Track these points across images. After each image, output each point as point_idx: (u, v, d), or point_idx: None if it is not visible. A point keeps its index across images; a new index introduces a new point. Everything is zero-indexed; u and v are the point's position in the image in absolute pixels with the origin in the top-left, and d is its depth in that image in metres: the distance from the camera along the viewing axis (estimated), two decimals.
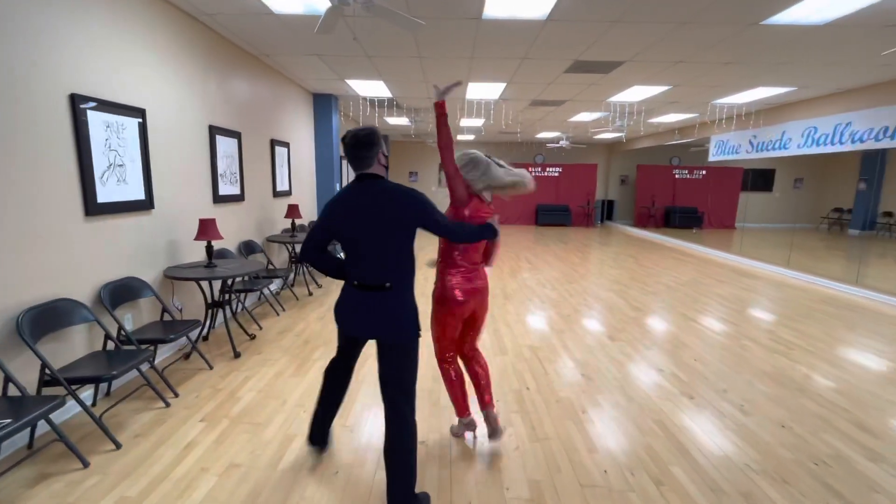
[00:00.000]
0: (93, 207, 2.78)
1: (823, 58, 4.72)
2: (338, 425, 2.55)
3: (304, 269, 5.55)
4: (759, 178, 15.14)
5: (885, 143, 5.71)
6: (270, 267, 4.96)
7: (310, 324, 4.33)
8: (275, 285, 5.20)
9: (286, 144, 5.86)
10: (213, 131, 4.08)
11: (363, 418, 2.69)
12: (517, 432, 2.54)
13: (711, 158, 9.62)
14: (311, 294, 5.39)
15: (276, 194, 5.61)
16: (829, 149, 6.65)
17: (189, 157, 3.77)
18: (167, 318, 3.29)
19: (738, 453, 2.39)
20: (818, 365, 3.61)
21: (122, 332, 2.82)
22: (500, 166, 2.39)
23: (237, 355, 3.51)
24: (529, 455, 2.33)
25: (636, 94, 6.69)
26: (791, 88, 6.19)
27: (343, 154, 2.14)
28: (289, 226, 5.87)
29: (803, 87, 6.15)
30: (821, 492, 2.10)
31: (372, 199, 1.84)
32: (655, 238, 11.83)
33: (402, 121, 9.77)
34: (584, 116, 8.89)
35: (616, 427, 2.62)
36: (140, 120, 3.15)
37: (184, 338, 3.17)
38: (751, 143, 8.29)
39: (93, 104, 2.74)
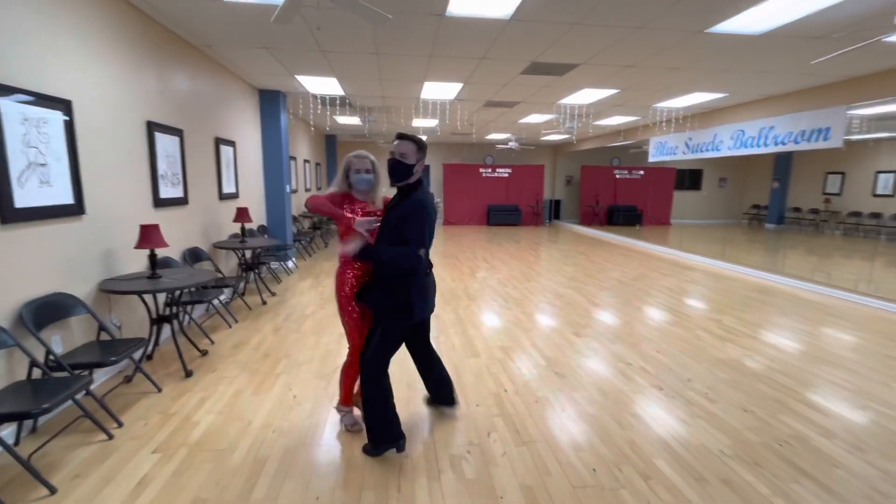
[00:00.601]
0: (9, 213, 2.39)
1: (755, 66, 5.12)
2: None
3: (256, 276, 5.19)
4: (689, 178, 16.32)
5: (804, 146, 6.32)
6: (219, 275, 4.59)
7: (266, 335, 4.04)
8: (224, 295, 4.82)
9: (232, 143, 5.46)
10: (152, 128, 3.69)
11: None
12: (502, 437, 2.49)
13: (651, 159, 10.20)
14: (264, 303, 5.05)
15: (223, 197, 5.20)
16: (755, 150, 7.25)
17: (125, 156, 3.38)
18: (105, 337, 2.92)
19: (712, 440, 2.49)
20: (763, 350, 3.88)
21: (51, 357, 2.45)
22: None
23: (188, 374, 3.19)
24: (517, 459, 2.29)
25: (586, 96, 6.93)
26: (724, 94, 6.68)
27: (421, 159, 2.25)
28: (237, 231, 5.49)
29: (734, 94, 6.66)
30: (789, 471, 2.22)
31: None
32: (601, 235, 12.36)
33: (354, 120, 9.49)
34: (535, 118, 9.10)
35: (596, 423, 2.64)
36: (65, 113, 2.77)
37: (126, 359, 2.82)
38: (687, 144, 8.88)
39: (5, 94, 2.36)
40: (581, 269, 7.52)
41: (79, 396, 2.36)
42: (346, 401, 2.55)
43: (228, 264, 5.33)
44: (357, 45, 4.48)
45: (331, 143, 13.06)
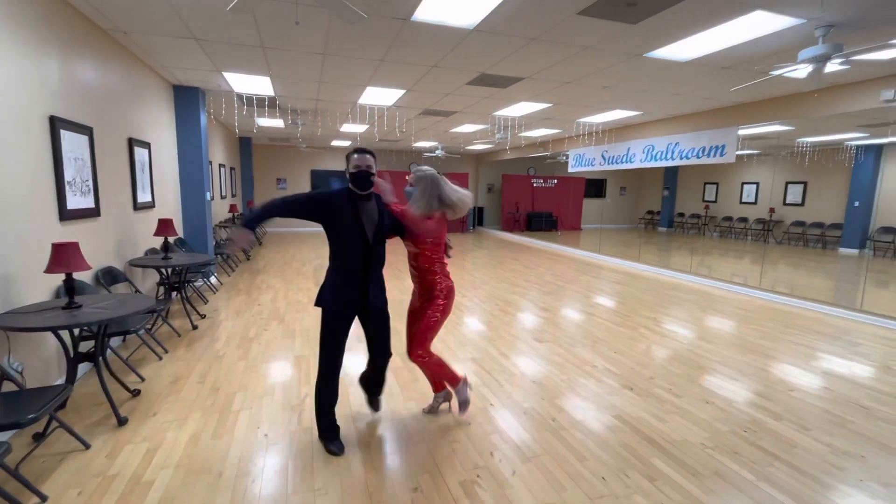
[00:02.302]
0: None
1: (670, 88, 5.73)
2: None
3: (183, 296, 4.53)
4: (595, 187, 17.87)
5: (704, 160, 7.22)
6: (155, 300, 3.91)
7: (210, 365, 3.54)
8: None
9: (147, 145, 4.73)
10: (57, 124, 3.04)
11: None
12: (506, 456, 2.43)
13: (571, 169, 10.94)
14: (195, 327, 4.43)
15: (138, 207, 4.48)
16: (664, 163, 8.13)
17: (22, 158, 2.72)
18: (7, 387, 2.30)
19: (691, 434, 2.68)
20: (699, 343, 4.32)
21: None
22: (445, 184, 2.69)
23: (122, 422, 2.65)
24: (528, 477, 2.24)
25: (520, 109, 7.21)
26: (639, 112, 7.39)
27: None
28: (154, 245, 4.77)
29: (647, 112, 7.40)
30: (762, 456, 2.47)
31: None
32: (525, 241, 12.96)
33: (276, 122, 8.84)
34: (467, 128, 9.26)
35: (588, 430, 2.70)
36: None
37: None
38: (603, 156, 9.68)
39: None
40: (518, 274, 7.77)
41: None
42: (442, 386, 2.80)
43: (145, 284, 4.59)
44: (306, 44, 4.16)
45: (245, 147, 12.04)
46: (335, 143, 12.61)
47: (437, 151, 12.60)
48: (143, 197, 4.64)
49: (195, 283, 5.48)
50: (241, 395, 3.04)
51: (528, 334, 4.48)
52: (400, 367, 3.57)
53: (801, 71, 3.88)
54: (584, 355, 3.94)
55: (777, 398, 3.18)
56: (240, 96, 6.48)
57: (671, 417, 2.87)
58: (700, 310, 5.67)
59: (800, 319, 5.27)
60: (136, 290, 4.07)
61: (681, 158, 7.69)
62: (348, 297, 2.40)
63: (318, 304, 2.43)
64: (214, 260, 6.42)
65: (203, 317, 4.78)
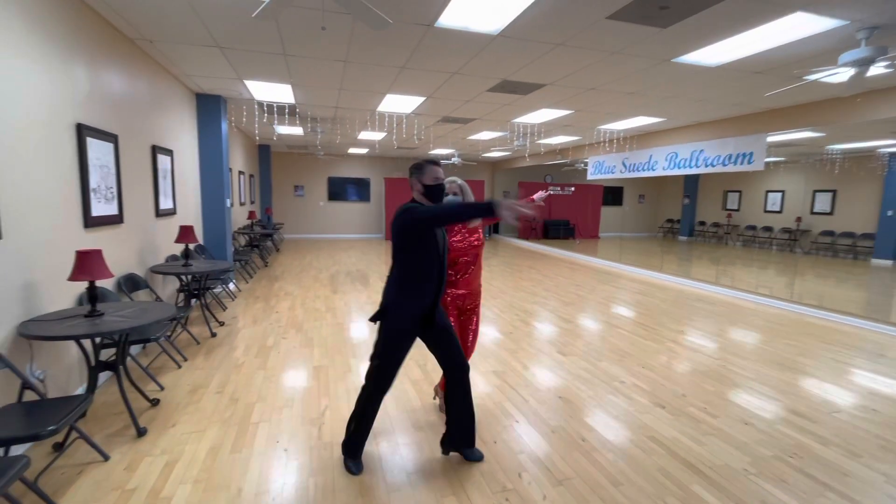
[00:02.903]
0: None
1: (696, 95, 5.58)
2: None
3: (203, 303, 4.52)
4: (612, 195, 17.61)
5: (731, 168, 7.01)
6: (176, 307, 3.90)
7: (228, 375, 3.49)
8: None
9: (169, 152, 4.77)
10: (84, 132, 3.05)
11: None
12: (535, 478, 2.30)
13: (590, 177, 10.79)
14: (214, 335, 4.40)
15: (160, 214, 4.50)
16: (687, 171, 7.93)
17: (48, 165, 2.73)
18: (29, 396, 2.28)
19: (732, 458, 2.51)
20: (731, 359, 4.12)
21: None
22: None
23: (141, 433, 2.60)
24: (560, 502, 2.12)
25: (541, 116, 7.12)
26: (662, 119, 7.23)
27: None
28: (175, 252, 4.79)
29: (671, 119, 7.23)
30: (811, 485, 2.29)
31: None
32: (542, 249, 12.79)
33: (296, 130, 8.91)
34: (485, 135, 9.20)
35: (621, 451, 2.56)
36: None
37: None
38: (624, 164, 9.51)
39: None
40: (537, 283, 7.63)
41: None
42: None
43: (165, 291, 4.60)
44: (328, 51, 4.14)
45: (264, 154, 12.18)
46: (352, 150, 12.68)
47: (453, 159, 12.57)
48: (165, 204, 4.66)
49: (214, 290, 5.49)
50: (259, 407, 2.98)
51: (550, 347, 4.34)
52: (420, 379, 3.48)
53: (842, 75, 3.72)
54: (611, 370, 3.79)
55: (821, 420, 2.99)
56: (260, 104, 6.53)
57: (708, 439, 2.71)
58: (729, 322, 5.45)
59: (836, 334, 5.02)
60: (157, 297, 4.07)
61: (706, 166, 7.49)
62: (418, 313, 2.23)
63: (377, 319, 2.24)
64: (234, 267, 6.44)
65: (222, 324, 4.76)
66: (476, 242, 2.74)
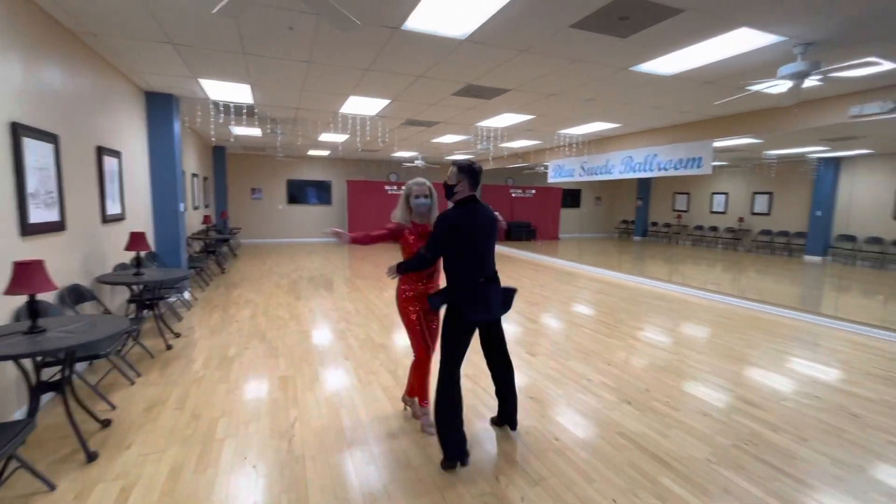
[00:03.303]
0: None
1: (652, 102, 5.85)
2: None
3: (156, 314, 4.25)
4: (570, 197, 18.16)
5: (682, 171, 7.40)
6: (128, 319, 3.64)
7: (187, 390, 3.30)
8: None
9: (117, 154, 4.47)
10: (19, 132, 2.80)
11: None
12: (512, 479, 2.32)
13: (550, 180, 11.06)
14: (169, 347, 4.15)
15: (107, 219, 4.20)
16: (642, 174, 8.30)
17: None
18: None
19: (695, 449, 2.64)
20: (688, 353, 4.34)
21: None
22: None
23: (91, 457, 2.41)
24: (539, 503, 2.14)
25: (504, 120, 7.24)
26: (619, 125, 7.53)
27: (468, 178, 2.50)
28: (123, 261, 4.49)
29: (627, 125, 7.55)
30: (767, 470, 2.45)
31: (486, 217, 2.54)
32: (505, 251, 12.97)
33: (254, 131, 8.59)
34: (449, 138, 9.24)
35: (592, 448, 2.63)
36: None
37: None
38: (583, 167, 9.82)
39: None
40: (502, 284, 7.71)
41: None
42: (410, 392, 2.87)
43: (114, 302, 4.30)
44: (291, 52, 4.02)
45: (219, 156, 11.66)
46: (313, 152, 12.38)
47: (416, 161, 12.54)
48: (113, 209, 4.36)
49: (168, 300, 5.19)
50: (224, 422, 2.83)
51: (519, 347, 4.41)
52: (391, 385, 3.44)
53: (781, 86, 4.01)
54: (579, 368, 3.89)
55: (771, 408, 3.20)
56: (216, 104, 6.25)
57: (673, 432, 2.84)
58: (683, 318, 5.74)
59: (778, 326, 5.40)
60: (105, 310, 3.79)
61: (659, 170, 7.86)
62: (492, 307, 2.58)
63: (457, 320, 2.51)
64: (189, 274, 6.11)
65: (178, 336, 4.50)
66: None
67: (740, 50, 3.77)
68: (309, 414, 2.96)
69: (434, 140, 9.55)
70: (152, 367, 3.71)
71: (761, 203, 13.32)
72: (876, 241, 10.58)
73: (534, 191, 16.60)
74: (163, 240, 5.78)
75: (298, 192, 14.08)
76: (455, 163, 2.51)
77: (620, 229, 18.41)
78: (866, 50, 3.72)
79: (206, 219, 8.84)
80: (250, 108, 6.44)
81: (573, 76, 4.67)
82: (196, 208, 8.96)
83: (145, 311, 4.24)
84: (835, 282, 8.74)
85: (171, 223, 5.81)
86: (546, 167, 11.65)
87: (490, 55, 4.05)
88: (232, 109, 6.47)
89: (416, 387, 2.85)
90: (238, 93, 5.60)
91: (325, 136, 9.26)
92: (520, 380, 3.60)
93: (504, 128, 7.93)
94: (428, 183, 2.72)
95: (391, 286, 7.27)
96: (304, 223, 14.24)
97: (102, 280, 3.84)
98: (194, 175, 8.70)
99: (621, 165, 8.72)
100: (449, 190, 2.54)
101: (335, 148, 11.23)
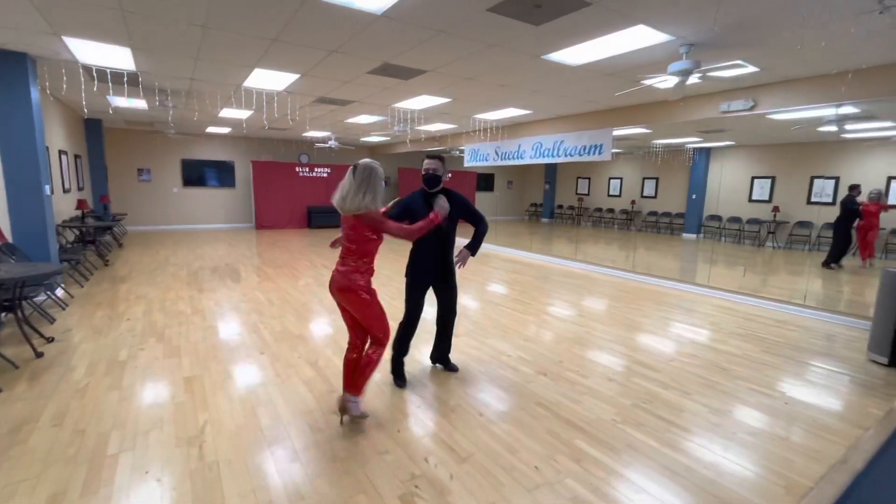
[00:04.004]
0: None
1: (560, 90, 6.18)
2: None
3: (19, 316, 3.59)
4: (484, 181, 18.73)
5: (586, 158, 7.96)
6: None
7: (67, 402, 2.86)
8: None
9: None
10: None
11: None
12: (441, 458, 2.37)
13: (466, 164, 11.28)
14: (40, 355, 3.54)
15: None
16: (550, 160, 8.79)
17: None
18: None
19: (603, 411, 2.92)
20: (593, 325, 4.76)
21: None
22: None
23: None
24: (467, 479, 2.22)
25: (421, 102, 7.16)
26: (530, 111, 7.85)
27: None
28: None
29: (537, 111, 7.90)
30: (660, 423, 2.79)
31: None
32: None
33: (139, 103, 7.52)
34: (364, 118, 8.93)
35: (514, 420, 2.78)
36: None
37: None
38: (496, 152, 10.13)
39: None
40: None
41: None
42: (359, 390, 2.66)
43: None
44: (182, 12, 3.55)
45: (93, 130, 10.05)
46: (211, 129, 11.23)
47: (330, 142, 11.98)
48: None
49: (36, 299, 4.42)
50: (117, 435, 2.51)
51: None
52: (312, 378, 3.30)
53: (670, 82, 4.45)
54: (498, 345, 4.07)
55: (663, 369, 3.64)
56: (88, 69, 5.34)
57: (584, 398, 3.10)
58: (587, 293, 6.27)
59: (663, 296, 6.14)
60: None
61: (566, 156, 8.38)
62: (428, 269, 3.16)
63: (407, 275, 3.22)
64: (61, 269, 5.25)
65: (50, 340, 3.87)
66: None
67: (637, 46, 4.10)
68: (221, 416, 2.74)
69: (349, 120, 9.17)
70: (17, 379, 3.15)
71: (650, 187, 14.89)
72: (736, 220, 12.41)
73: (450, 175, 16.78)
74: (23, 229, 4.88)
75: (196, 174, 12.73)
76: (439, 157, 2.98)
77: (530, 212, 19.44)
78: (735, 54, 4.26)
79: (81, 203, 7.63)
80: (133, 76, 5.61)
81: (489, 61, 4.74)
82: (67, 191, 7.69)
83: (3, 315, 3.56)
84: (706, 255, 10.12)
85: (32, 209, 4.92)
86: (462, 151, 11.84)
87: (407, 33, 3.94)
88: (109, 76, 5.58)
89: (366, 379, 2.64)
90: (117, 57, 4.83)
91: (226, 112, 8.43)
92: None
93: (421, 110, 7.86)
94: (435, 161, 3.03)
95: (306, 274, 6.95)
96: (204, 208, 12.96)
97: None
98: (63, 152, 7.43)
99: (532, 151, 9.15)
100: (438, 179, 2.99)
101: (238, 125, 10.29)
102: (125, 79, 5.72)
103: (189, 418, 2.70)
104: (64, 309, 4.83)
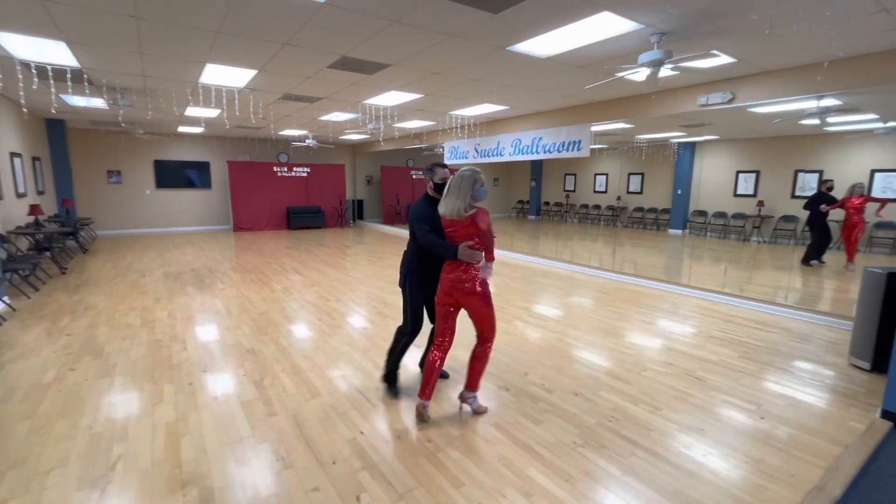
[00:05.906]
0: None
1: (533, 84, 5.93)
2: None
3: None
4: None
5: (564, 154, 7.74)
6: None
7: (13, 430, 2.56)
8: None
9: None
10: None
11: None
12: (376, 495, 2.12)
13: (447, 162, 10.98)
14: None
15: None
16: (529, 157, 8.55)
17: None
18: None
19: (563, 433, 2.68)
20: (566, 331, 4.53)
21: None
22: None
23: None
24: None
25: (391, 99, 6.88)
26: (506, 107, 7.60)
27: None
28: None
29: (514, 107, 7.65)
30: (624, 445, 2.56)
31: None
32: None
33: (97, 102, 7.16)
34: (337, 116, 8.63)
35: (466, 446, 2.54)
36: None
37: None
38: (476, 149, 9.87)
39: None
40: (398, 270, 7.49)
41: None
42: (477, 387, 2.88)
43: None
44: (109, 2, 3.24)
45: (56, 131, 9.64)
46: (182, 129, 10.84)
47: (307, 141, 11.65)
48: None
49: None
50: (12, 476, 2.22)
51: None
52: (253, 399, 3.03)
53: (641, 73, 4.22)
54: (462, 357, 3.81)
55: (633, 380, 3.42)
56: (26, 65, 5.00)
57: (545, 417, 2.86)
58: (566, 295, 6.04)
59: (645, 297, 5.93)
60: None
61: (544, 152, 8.15)
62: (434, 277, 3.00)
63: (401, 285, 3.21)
64: (3, 279, 4.93)
65: None
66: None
67: (605, 35, 3.86)
68: (139, 449, 2.46)
69: (321, 118, 8.86)
70: None
71: (635, 183, 14.72)
72: (721, 215, 12.27)
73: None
74: None
75: (169, 175, 12.33)
76: (444, 165, 2.92)
77: (517, 209, 19.23)
78: (708, 43, 4.03)
79: (35, 209, 7.24)
80: (77, 72, 5.27)
81: (452, 54, 4.48)
82: (22, 196, 7.31)
83: None
84: (689, 252, 9.96)
85: None
86: (443, 148, 11.56)
87: (358, 23, 3.67)
88: (50, 73, 5.23)
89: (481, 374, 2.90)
90: (54, 52, 4.50)
91: (192, 111, 8.07)
92: (404, 377, 3.42)
93: (394, 106, 7.57)
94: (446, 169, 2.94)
95: (274, 279, 6.65)
96: (179, 210, 12.57)
97: None
98: (15, 155, 7.05)
99: (511, 148, 8.90)
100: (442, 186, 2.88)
101: (211, 124, 9.92)
102: (68, 76, 5.37)
103: (102, 453, 2.42)
104: (2, 323, 4.50)
